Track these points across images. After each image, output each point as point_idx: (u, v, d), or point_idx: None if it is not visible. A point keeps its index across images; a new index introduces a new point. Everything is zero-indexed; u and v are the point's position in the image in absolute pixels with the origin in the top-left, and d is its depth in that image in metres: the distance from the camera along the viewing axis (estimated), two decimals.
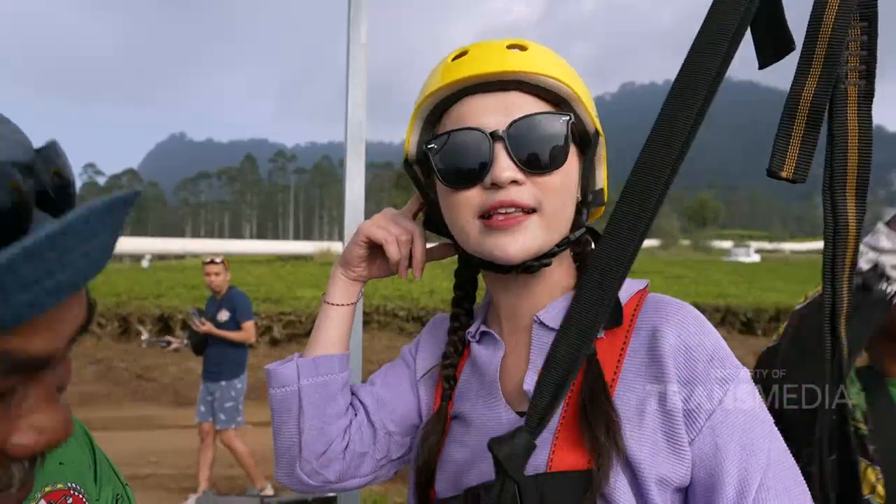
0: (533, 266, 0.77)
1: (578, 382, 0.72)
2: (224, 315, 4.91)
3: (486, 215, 0.74)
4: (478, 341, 0.86)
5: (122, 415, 8.20)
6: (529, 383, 0.75)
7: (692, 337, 0.72)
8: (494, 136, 0.73)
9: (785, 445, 0.70)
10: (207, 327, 4.84)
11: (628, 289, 0.80)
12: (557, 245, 0.77)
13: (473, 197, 0.75)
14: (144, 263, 22.89)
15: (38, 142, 0.39)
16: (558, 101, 0.76)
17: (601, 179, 0.84)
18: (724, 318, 13.29)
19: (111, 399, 9.09)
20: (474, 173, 0.74)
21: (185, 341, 4.98)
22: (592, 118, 0.79)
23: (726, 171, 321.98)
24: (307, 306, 11.35)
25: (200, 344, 4.93)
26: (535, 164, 0.73)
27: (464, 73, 0.75)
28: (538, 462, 0.69)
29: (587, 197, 0.82)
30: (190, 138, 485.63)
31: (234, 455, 4.97)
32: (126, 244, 29.52)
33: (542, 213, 0.74)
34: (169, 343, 5.48)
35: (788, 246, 60.13)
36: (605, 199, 0.85)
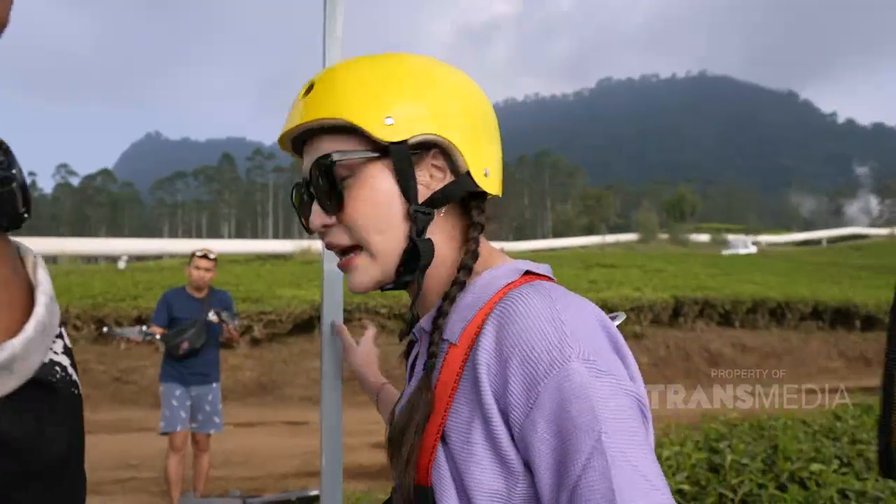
0: (399, 284, 0.79)
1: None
2: (216, 316, 4.69)
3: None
4: (418, 340, 0.87)
5: (101, 418, 8.09)
6: (403, 399, 0.78)
7: (509, 338, 0.64)
8: (306, 186, 0.78)
9: (624, 445, 0.59)
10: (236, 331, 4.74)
11: (496, 282, 0.73)
12: (404, 265, 0.76)
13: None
14: (121, 265, 22.50)
15: (9, 141, 0.38)
16: (348, 128, 0.73)
17: (429, 178, 0.76)
18: (703, 311, 13.46)
19: (89, 402, 8.96)
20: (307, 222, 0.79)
21: (185, 342, 4.64)
22: (380, 132, 0.71)
23: (704, 165, 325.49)
24: (287, 305, 11.22)
25: (201, 348, 4.64)
26: (326, 206, 0.75)
27: (282, 130, 0.79)
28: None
29: (415, 203, 0.74)
30: (166, 137, 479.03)
31: (205, 457, 4.80)
32: (102, 245, 29.00)
33: (365, 247, 0.75)
34: (150, 334, 4.90)
35: (765, 238, 61.07)
36: (479, 182, 0.77)
